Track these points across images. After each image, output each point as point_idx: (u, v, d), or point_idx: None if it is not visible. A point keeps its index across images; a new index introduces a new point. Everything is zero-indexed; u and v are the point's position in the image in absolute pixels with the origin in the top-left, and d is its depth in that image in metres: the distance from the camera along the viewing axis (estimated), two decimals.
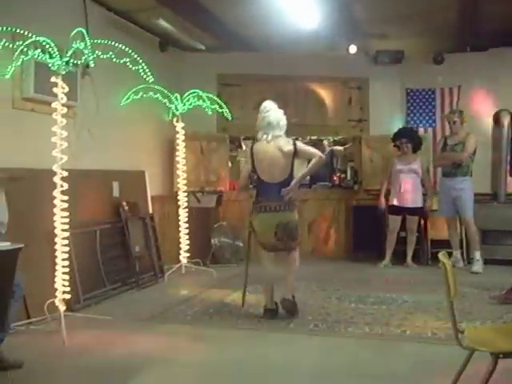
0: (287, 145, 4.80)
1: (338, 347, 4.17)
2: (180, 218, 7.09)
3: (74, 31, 4.35)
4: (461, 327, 2.69)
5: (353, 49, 7.72)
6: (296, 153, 4.78)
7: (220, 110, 7.01)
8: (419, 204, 7.33)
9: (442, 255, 2.66)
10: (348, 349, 4.13)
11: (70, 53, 4.34)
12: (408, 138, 7.40)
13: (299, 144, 4.91)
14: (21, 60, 4.34)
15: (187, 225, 7.09)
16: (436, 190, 7.54)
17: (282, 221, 4.77)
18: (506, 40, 7.63)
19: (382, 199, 7.47)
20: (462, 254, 7.25)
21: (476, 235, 6.97)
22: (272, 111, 4.88)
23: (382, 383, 3.41)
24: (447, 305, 2.66)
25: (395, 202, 7.36)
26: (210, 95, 7.00)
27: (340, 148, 9.55)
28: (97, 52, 4.38)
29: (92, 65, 4.41)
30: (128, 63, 4.59)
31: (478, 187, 7.19)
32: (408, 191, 7.31)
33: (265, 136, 4.86)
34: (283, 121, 4.88)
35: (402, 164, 7.37)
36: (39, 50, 4.36)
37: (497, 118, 7.76)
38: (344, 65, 8.06)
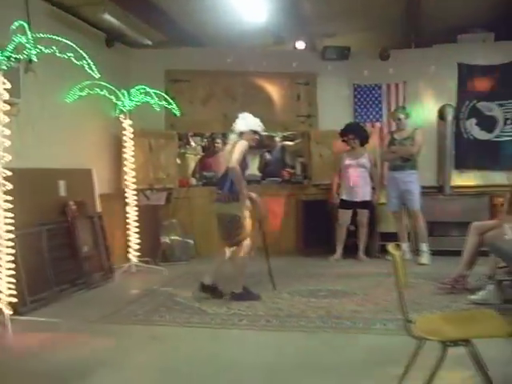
0: (232, 144, 5.22)
1: (290, 342, 4.19)
2: (129, 216, 6.98)
3: (15, 24, 4.21)
4: (410, 317, 2.73)
5: (300, 45, 7.78)
6: (232, 151, 5.16)
7: (168, 106, 6.93)
8: (369, 197, 7.44)
9: (391, 247, 2.70)
10: (300, 343, 4.15)
11: (11, 47, 4.20)
12: (355, 134, 7.49)
13: (237, 146, 5.18)
14: None
15: (137, 223, 7.00)
16: (384, 183, 7.65)
17: (219, 213, 5.19)
18: (449, 37, 7.83)
19: (334, 194, 7.55)
20: (409, 246, 7.38)
21: (423, 227, 7.11)
22: (238, 120, 5.36)
23: (335, 374, 3.44)
24: (397, 296, 2.70)
25: (345, 197, 7.44)
26: (158, 91, 6.91)
27: (291, 143, 9.61)
28: (39, 46, 4.25)
29: (35, 59, 4.28)
30: (72, 58, 4.48)
31: (424, 180, 7.35)
32: (357, 185, 7.40)
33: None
34: (241, 126, 5.30)
35: (351, 159, 7.46)
36: None
37: (441, 113, 7.95)
38: (292, 61, 8.10)
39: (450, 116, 7.88)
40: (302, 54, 7.96)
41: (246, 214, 5.26)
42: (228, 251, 5.37)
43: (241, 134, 5.28)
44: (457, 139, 7.95)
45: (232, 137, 5.38)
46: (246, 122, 5.33)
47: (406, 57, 8.03)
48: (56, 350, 4.00)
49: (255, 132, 5.38)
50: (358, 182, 7.40)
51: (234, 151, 5.13)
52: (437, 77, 7.99)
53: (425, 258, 6.98)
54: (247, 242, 5.26)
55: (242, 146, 5.18)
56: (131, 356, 3.90)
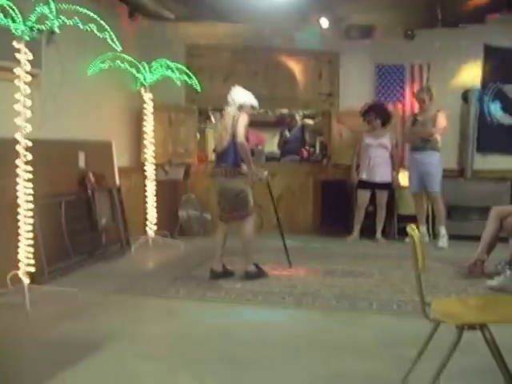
0: (233, 117, 5.08)
1: (303, 320, 4.20)
2: (147, 189, 7.01)
3: None
4: (427, 300, 2.71)
5: (324, 23, 7.66)
6: (234, 124, 5.05)
7: (189, 81, 6.90)
8: (388, 179, 7.36)
9: (410, 228, 2.66)
10: (314, 321, 4.16)
11: (33, 17, 4.19)
12: (377, 113, 7.41)
13: (240, 120, 5.06)
14: None
15: (155, 197, 7.02)
16: (404, 164, 7.57)
17: (221, 187, 5.11)
18: (476, 17, 7.66)
19: (354, 174, 7.49)
20: (427, 228, 7.33)
21: (442, 211, 7.03)
22: (232, 94, 5.21)
23: (347, 355, 3.44)
24: (415, 277, 2.68)
25: (364, 177, 7.38)
26: (179, 66, 6.88)
27: (311, 122, 9.55)
28: (62, 18, 4.23)
29: (57, 30, 4.26)
30: (95, 30, 4.45)
31: (445, 163, 7.24)
32: (377, 166, 7.33)
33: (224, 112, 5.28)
34: (241, 99, 5.16)
35: (372, 138, 7.39)
36: (1, 14, 4.19)
37: (465, 95, 7.82)
38: (315, 39, 7.99)
39: (473, 99, 7.75)
40: (326, 33, 7.85)
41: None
42: (223, 228, 5.30)
43: (240, 108, 5.15)
44: (480, 122, 7.82)
45: (229, 109, 5.19)
46: (245, 95, 5.22)
47: (431, 37, 7.86)
48: (73, 320, 4.05)
49: (253, 107, 5.28)
50: (377, 162, 7.33)
51: (238, 125, 5.02)
52: (462, 58, 7.83)
53: (443, 242, 6.92)
54: (253, 217, 5.24)
55: (245, 119, 5.08)
56: (146, 328, 3.94)
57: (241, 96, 5.20)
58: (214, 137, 5.41)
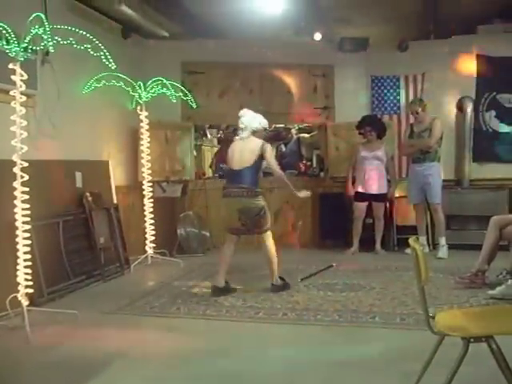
0: (256, 146, 5.31)
1: (307, 336, 4.16)
2: (145, 208, 6.98)
3: (32, 16, 4.18)
4: (430, 312, 2.69)
5: (318, 36, 7.71)
6: (262, 156, 5.30)
7: (185, 98, 6.91)
8: (384, 190, 7.36)
9: (412, 240, 2.64)
10: (317, 337, 4.12)
11: (28, 38, 4.18)
12: (372, 126, 7.41)
13: (267, 151, 5.34)
14: None
15: (152, 215, 7.00)
16: (396, 177, 7.59)
17: (243, 206, 5.20)
18: (469, 27, 7.72)
19: (350, 186, 7.49)
20: (427, 239, 7.31)
21: (443, 221, 7.03)
22: (243, 117, 5.45)
23: (352, 370, 3.40)
24: (418, 290, 2.65)
25: (360, 189, 7.38)
26: (174, 83, 6.88)
27: (307, 135, 9.56)
28: (56, 38, 4.23)
29: (52, 50, 4.26)
30: (89, 49, 4.45)
31: (442, 173, 7.26)
32: (373, 178, 7.33)
33: (239, 136, 5.50)
34: (254, 124, 5.41)
35: (367, 151, 7.39)
36: None
37: (460, 105, 7.85)
38: (309, 52, 8.03)
39: (468, 108, 7.78)
40: (320, 46, 7.89)
41: None
42: (234, 241, 5.42)
43: (254, 133, 5.39)
44: (476, 132, 7.85)
45: (244, 134, 5.42)
46: (257, 120, 5.44)
47: (424, 48, 7.91)
48: (73, 342, 4.00)
49: (265, 129, 5.58)
50: (373, 175, 7.33)
51: (269, 158, 5.34)
52: (456, 68, 7.87)
53: (443, 252, 6.91)
54: (271, 231, 5.40)
55: (270, 149, 5.44)
56: (147, 348, 3.90)
57: (253, 121, 5.42)
58: (228, 155, 5.51)
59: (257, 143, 5.33)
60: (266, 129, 5.57)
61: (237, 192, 5.25)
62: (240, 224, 5.28)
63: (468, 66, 7.83)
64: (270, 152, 5.44)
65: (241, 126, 5.46)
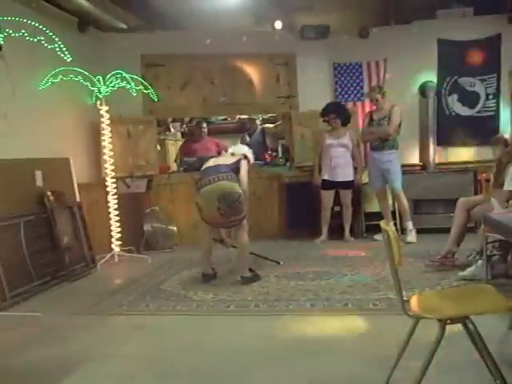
0: (234, 159, 5.56)
1: (279, 326, 4.09)
2: (110, 205, 6.83)
3: None
4: (404, 296, 2.64)
5: (278, 24, 7.63)
6: (237, 169, 5.45)
7: (146, 92, 6.76)
8: (351, 178, 7.34)
9: (383, 223, 2.59)
10: (291, 327, 4.06)
11: None
12: (336, 113, 7.37)
13: (242, 167, 5.49)
14: None
15: (117, 212, 6.85)
16: (366, 163, 7.57)
17: (223, 191, 5.12)
18: (428, 12, 7.75)
19: (317, 175, 7.45)
20: (395, 224, 7.32)
21: (406, 206, 7.05)
22: (234, 146, 6.13)
23: (327, 358, 3.34)
24: (391, 273, 2.61)
25: (327, 177, 7.35)
26: (135, 76, 6.73)
27: (271, 126, 9.50)
28: (7, 30, 4.07)
29: (1, 42, 4.09)
30: (43, 41, 4.30)
31: (407, 158, 7.30)
32: (339, 166, 7.30)
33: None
34: (242, 151, 5.81)
35: (332, 139, 7.36)
36: None
37: (423, 90, 7.88)
38: (270, 41, 7.95)
39: (431, 92, 7.82)
40: (281, 34, 7.81)
41: None
42: (210, 233, 5.49)
43: (245, 157, 5.66)
44: (439, 116, 7.90)
45: (235, 150, 5.86)
46: (247, 149, 5.92)
47: (385, 34, 7.92)
48: (39, 346, 3.86)
49: (245, 157, 5.74)
50: (339, 162, 7.30)
51: (244, 172, 5.45)
52: (417, 53, 7.87)
53: (411, 236, 6.93)
54: (246, 223, 5.39)
55: (246, 165, 5.57)
56: (116, 347, 3.78)
57: (242, 149, 5.88)
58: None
59: (235, 157, 5.59)
60: (246, 157, 5.70)
61: (217, 177, 5.22)
62: (219, 214, 5.14)
63: (429, 50, 7.85)
64: (246, 168, 5.52)
65: (229, 151, 5.85)
